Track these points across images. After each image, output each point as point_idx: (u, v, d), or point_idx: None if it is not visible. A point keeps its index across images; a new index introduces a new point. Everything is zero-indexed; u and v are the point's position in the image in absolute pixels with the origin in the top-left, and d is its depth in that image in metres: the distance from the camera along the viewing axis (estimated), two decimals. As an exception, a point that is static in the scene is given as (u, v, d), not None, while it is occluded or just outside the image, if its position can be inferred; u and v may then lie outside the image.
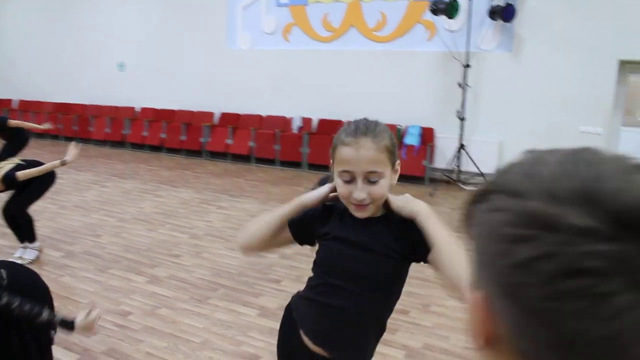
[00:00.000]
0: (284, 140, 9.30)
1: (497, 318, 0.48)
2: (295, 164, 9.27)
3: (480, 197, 0.51)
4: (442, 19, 7.99)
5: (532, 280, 0.43)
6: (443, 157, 8.40)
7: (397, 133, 8.62)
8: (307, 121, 9.43)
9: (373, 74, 8.81)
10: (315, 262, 1.68)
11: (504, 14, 7.67)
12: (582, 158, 0.46)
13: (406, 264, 1.59)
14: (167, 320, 3.66)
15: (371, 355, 1.74)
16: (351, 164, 1.44)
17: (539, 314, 0.44)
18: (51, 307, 2.39)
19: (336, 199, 1.58)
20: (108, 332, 3.45)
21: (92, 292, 4.07)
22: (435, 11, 7.73)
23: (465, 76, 7.82)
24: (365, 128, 1.46)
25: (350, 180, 1.46)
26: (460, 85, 7.81)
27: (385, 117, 9.05)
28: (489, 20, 7.86)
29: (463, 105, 7.92)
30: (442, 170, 8.22)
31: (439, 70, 8.33)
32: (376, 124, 1.51)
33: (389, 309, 1.66)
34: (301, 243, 1.71)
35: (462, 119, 7.94)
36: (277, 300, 4.03)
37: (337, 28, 9.18)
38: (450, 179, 8.24)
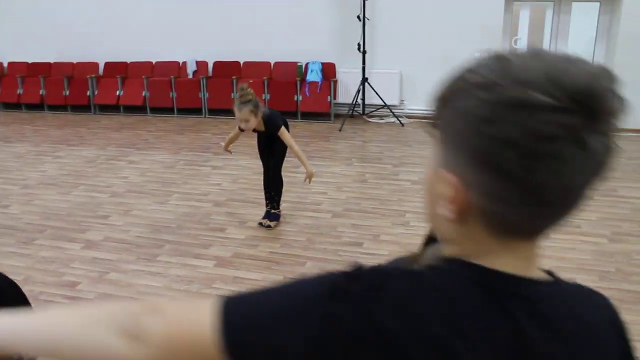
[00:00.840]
0: (180, 86, 8.87)
1: (470, 190, 0.61)
2: (195, 111, 8.91)
3: (454, 93, 0.61)
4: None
5: (508, 152, 0.56)
6: (347, 92, 8.46)
7: (298, 70, 8.54)
8: (202, 65, 9.02)
9: (268, 10, 8.54)
10: None
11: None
12: (543, 54, 0.59)
13: None
14: (120, 284, 3.46)
15: None
16: None
17: (513, 178, 0.57)
18: (19, 291, 2.15)
19: None
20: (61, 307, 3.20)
21: (24, 267, 3.73)
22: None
23: (363, 9, 7.83)
24: None
25: None
26: (359, 18, 7.82)
27: (284, 54, 8.81)
28: (381, -50, 7.86)
29: (363, 38, 7.96)
30: (347, 105, 8.29)
31: (336, 4, 8.25)
32: None
33: None
34: None
35: (363, 52, 8.01)
36: (229, 248, 3.95)
37: (224, -36, 8.72)
38: (356, 113, 8.36)
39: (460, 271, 0.63)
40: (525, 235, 0.65)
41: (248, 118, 3.89)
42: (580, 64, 0.58)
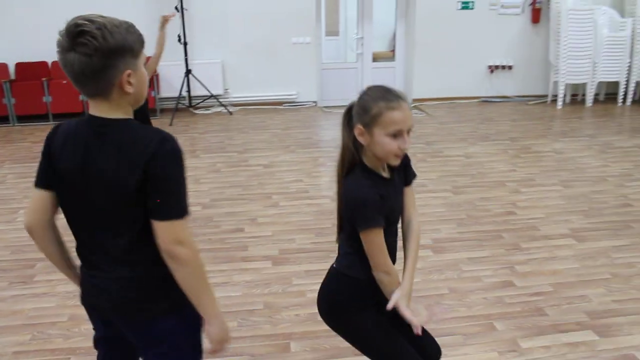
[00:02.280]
0: (-23, 94, 7.87)
1: None
2: (1, 119, 8.00)
3: None
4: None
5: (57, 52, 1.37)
6: (170, 85, 8.28)
7: (116, 67, 8.10)
8: (1, 67, 8.10)
9: (74, 6, 7.93)
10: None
11: None
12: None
13: None
14: (3, 314, 3.13)
15: None
16: (402, 124, 1.68)
17: (61, 65, 1.37)
18: None
19: None
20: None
21: None
22: None
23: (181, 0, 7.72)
24: (398, 92, 1.71)
25: (397, 135, 1.70)
26: (177, 9, 7.68)
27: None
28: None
29: (183, 29, 7.85)
30: (172, 99, 8.13)
31: (151, -4, 8.00)
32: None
33: None
34: None
35: (184, 44, 7.90)
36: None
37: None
38: (183, 106, 8.25)
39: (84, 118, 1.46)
40: (93, 96, 1.40)
41: None
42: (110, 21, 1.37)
